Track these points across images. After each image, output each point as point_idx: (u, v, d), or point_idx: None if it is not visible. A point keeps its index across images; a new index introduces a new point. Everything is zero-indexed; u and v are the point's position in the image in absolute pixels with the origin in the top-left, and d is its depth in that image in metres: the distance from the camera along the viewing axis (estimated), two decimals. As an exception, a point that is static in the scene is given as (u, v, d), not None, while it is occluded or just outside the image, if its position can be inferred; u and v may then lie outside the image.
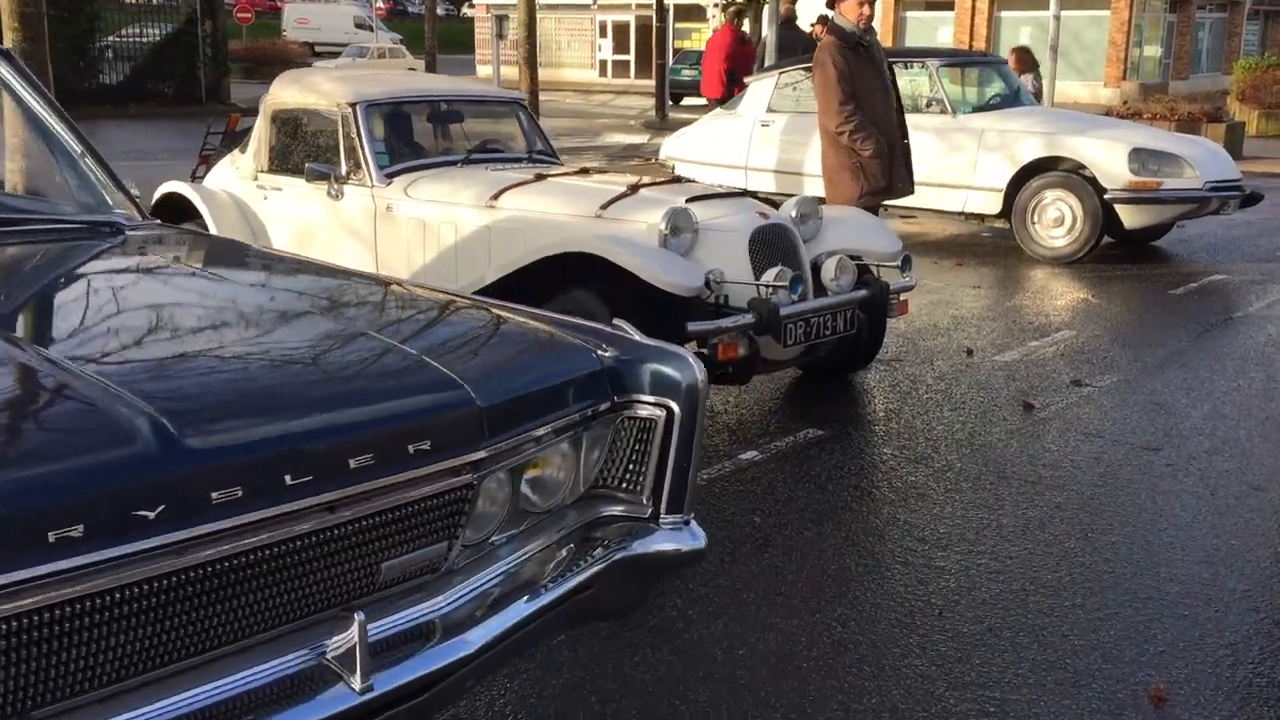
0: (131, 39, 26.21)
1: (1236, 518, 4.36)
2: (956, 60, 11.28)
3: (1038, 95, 12.15)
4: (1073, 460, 4.98)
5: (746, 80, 11.94)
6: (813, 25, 14.24)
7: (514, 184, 5.73)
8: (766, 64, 13.14)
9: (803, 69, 11.37)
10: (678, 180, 5.88)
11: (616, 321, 2.63)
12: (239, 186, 6.71)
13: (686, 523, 2.45)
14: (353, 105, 6.11)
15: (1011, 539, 4.14)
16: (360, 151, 6.06)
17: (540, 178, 5.85)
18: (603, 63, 43.06)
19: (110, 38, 26.27)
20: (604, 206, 5.39)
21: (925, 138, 10.10)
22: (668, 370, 2.40)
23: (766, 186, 11.32)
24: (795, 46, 13.39)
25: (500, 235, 5.60)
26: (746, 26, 17.90)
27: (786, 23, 13.98)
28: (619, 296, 4.93)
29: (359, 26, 54.10)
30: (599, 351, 2.40)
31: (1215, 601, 3.66)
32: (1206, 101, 20.93)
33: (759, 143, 11.26)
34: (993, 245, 10.54)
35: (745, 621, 3.49)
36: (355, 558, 1.87)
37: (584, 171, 6.20)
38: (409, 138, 6.53)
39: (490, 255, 5.64)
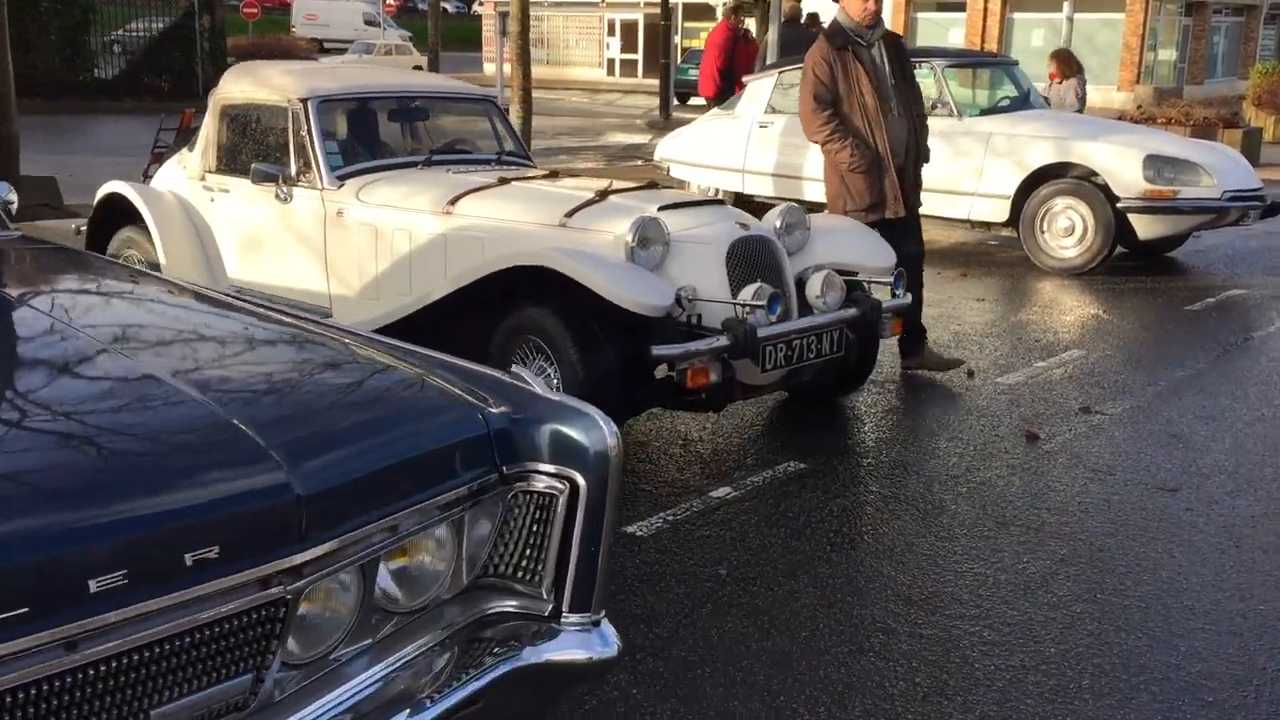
0: (138, 34, 25.81)
1: (1265, 575, 3.87)
2: (964, 61, 10.78)
3: (1081, 104, 11.38)
4: (1080, 503, 4.49)
5: (745, 80, 11.46)
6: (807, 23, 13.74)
7: (473, 189, 5.26)
8: (768, 63, 12.65)
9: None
10: (653, 186, 5.39)
11: (515, 369, 2.14)
12: (185, 187, 6.24)
13: (595, 623, 1.97)
14: (304, 101, 5.64)
15: (1010, 599, 3.65)
16: (311, 151, 5.59)
17: (504, 182, 5.37)
18: (610, 61, 42.57)
19: (117, 31, 25.86)
20: (569, 215, 4.91)
21: (930, 141, 9.60)
22: (572, 433, 1.92)
23: (764, 190, 10.85)
24: (798, 45, 12.86)
25: (457, 244, 5.13)
26: (753, 25, 17.41)
27: (790, 20, 13.48)
28: (579, 316, 4.46)
29: (368, 23, 53.64)
30: (486, 409, 1.92)
31: (1243, 684, 3.17)
32: (1223, 106, 20.37)
33: (757, 145, 10.78)
34: (999, 255, 10.03)
35: (699, 706, 3.00)
36: (111, 707, 1.39)
37: (553, 175, 5.72)
38: (368, 137, 6.05)
39: (446, 266, 5.17)
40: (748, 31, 13.88)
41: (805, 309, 4.97)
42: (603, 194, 5.07)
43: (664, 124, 23.02)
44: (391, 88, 6.14)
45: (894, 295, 5.20)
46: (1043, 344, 7.00)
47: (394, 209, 5.33)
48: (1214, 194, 9.05)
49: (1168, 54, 34.31)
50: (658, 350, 4.32)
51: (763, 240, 4.90)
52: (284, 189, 5.64)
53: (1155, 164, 9.03)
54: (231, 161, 6.00)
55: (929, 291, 8.35)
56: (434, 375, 2.02)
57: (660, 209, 4.88)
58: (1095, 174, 9.15)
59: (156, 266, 6.00)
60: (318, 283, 5.66)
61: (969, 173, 9.50)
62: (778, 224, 5.16)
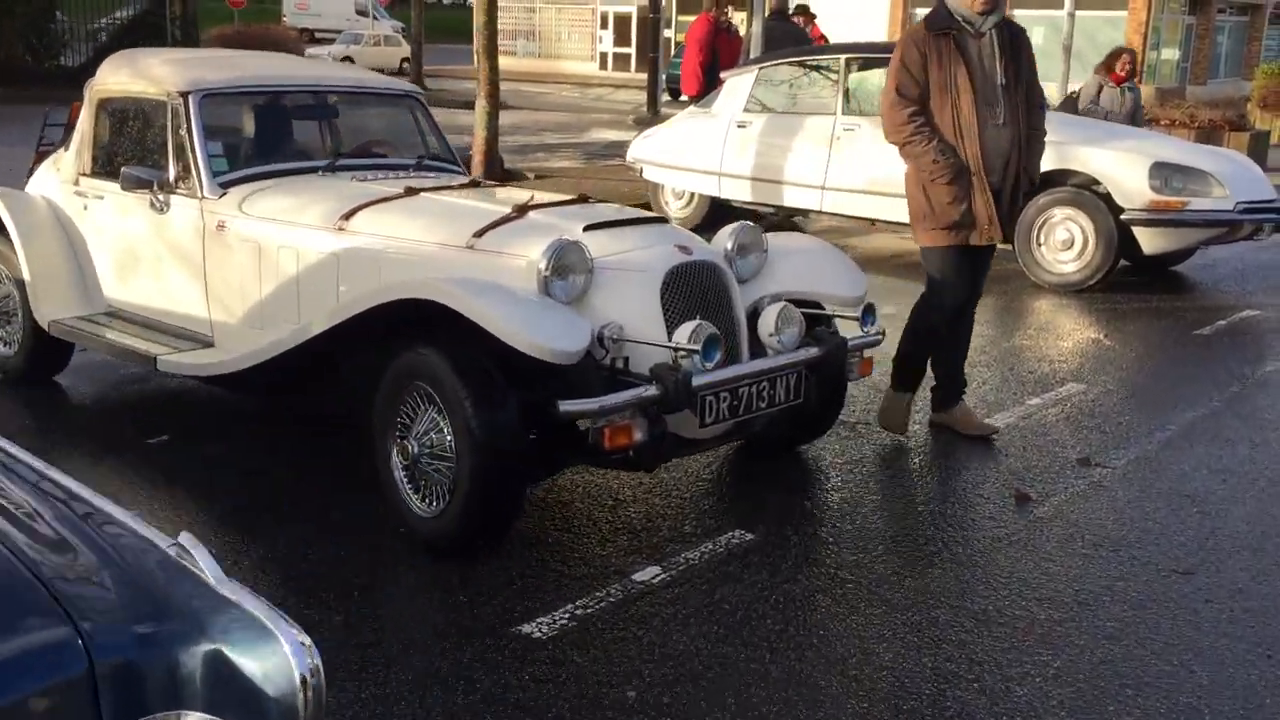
0: (115, 21, 25.02)
1: (1306, 698, 3.12)
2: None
3: (1132, 118, 10.14)
4: (1078, 590, 3.73)
5: (723, 75, 10.69)
6: (792, 16, 12.96)
7: (371, 201, 4.49)
8: (751, 58, 11.88)
9: (787, 64, 10.16)
10: (583, 200, 4.62)
11: (184, 537, 1.37)
12: (59, 192, 5.47)
13: None
14: (185, 94, 4.87)
15: (989, 734, 2.91)
16: (190, 153, 4.82)
17: (411, 193, 4.60)
18: (603, 55, 41.72)
19: (103, 19, 25.05)
20: (478, 234, 4.15)
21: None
22: (243, 663, 1.16)
23: (741, 195, 10.10)
24: (785, 40, 12.12)
25: (350, 267, 4.38)
26: (742, 18, 16.61)
27: (777, 14, 12.69)
28: (474, 359, 3.69)
29: (359, 13, 52.84)
30: (94, 627, 1.15)
31: None
32: (1228, 108, 19.60)
33: (734, 146, 10.02)
34: (992, 270, 9.26)
35: None
36: None
37: (475, 185, 4.95)
38: (265, 139, 5.28)
39: (338, 291, 4.41)
40: (731, 25, 13.08)
41: (758, 348, 4.22)
42: (522, 209, 4.31)
43: (651, 120, 22.23)
44: (295, 80, 5.35)
45: (864, 330, 4.43)
46: (1037, 376, 6.25)
47: (279, 223, 4.56)
48: (1226, 205, 8.30)
49: (1170, 53, 33.54)
50: (566, 406, 3.56)
51: (707, 267, 4.14)
52: (160, 197, 4.87)
53: (1163, 172, 8.27)
54: (108, 163, 5.23)
55: (905, 307, 7.59)
56: (37, 558, 1.25)
57: (586, 228, 4.12)
58: (1097, 183, 8.40)
59: (22, 284, 5.25)
60: (198, 307, 4.89)
61: (960, 179, 8.72)
62: (729, 246, 4.40)
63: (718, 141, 10.15)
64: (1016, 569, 3.88)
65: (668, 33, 32.67)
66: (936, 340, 5.24)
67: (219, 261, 4.75)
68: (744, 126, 10.03)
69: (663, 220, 4.43)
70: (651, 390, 3.70)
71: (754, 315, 4.32)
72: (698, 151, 10.31)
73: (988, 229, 4.92)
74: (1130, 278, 8.83)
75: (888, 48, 11.56)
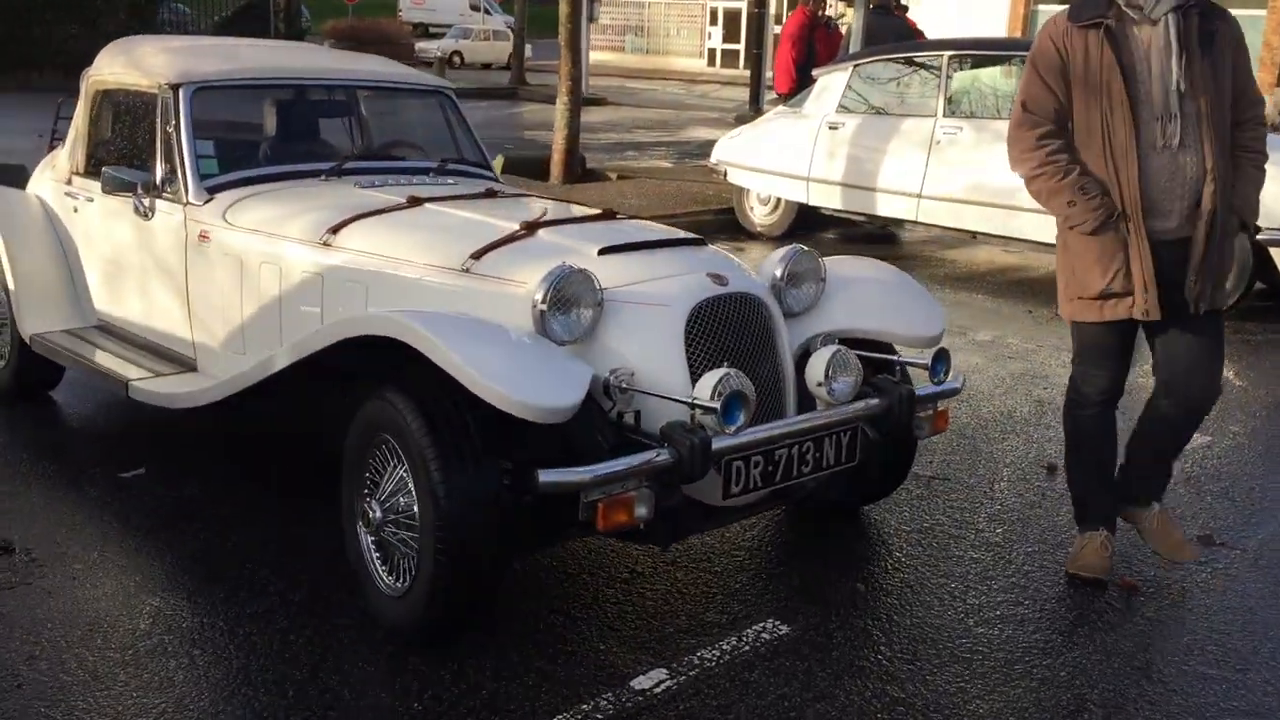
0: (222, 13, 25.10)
1: None
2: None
3: None
4: (1194, 726, 2.96)
5: (815, 73, 9.92)
6: (892, 4, 11.93)
7: (365, 213, 3.88)
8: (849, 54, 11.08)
9: (885, 61, 9.35)
10: (610, 216, 3.95)
11: None
12: (51, 192, 4.98)
13: None
14: (175, 87, 4.33)
15: None
16: (177, 152, 4.27)
17: (414, 202, 3.98)
18: (711, 51, 40.98)
19: (216, 16, 25.18)
20: (476, 255, 3.51)
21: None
22: None
23: (830, 202, 9.33)
24: (886, 36, 11.29)
25: (335, 288, 3.78)
26: (848, 14, 15.73)
27: (881, 7, 11.86)
28: (448, 411, 3.04)
29: (473, 8, 52.91)
30: None
31: None
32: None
33: (825, 148, 9.26)
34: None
35: None
36: None
37: (490, 195, 4.30)
38: (266, 138, 4.72)
39: (324, 314, 3.81)
40: (831, 20, 12.29)
41: (808, 398, 3.50)
42: (531, 226, 3.65)
43: (753, 118, 21.49)
44: (303, 73, 4.76)
45: (935, 380, 3.68)
46: (1153, 423, 5.39)
47: (262, 235, 3.98)
48: (1380, 226, 7.28)
49: (1313, 55, 31.54)
50: (547, 476, 2.88)
51: (746, 301, 3.44)
52: (144, 201, 4.33)
53: (1307, 187, 7.28)
54: (101, 162, 4.71)
55: (1015, 338, 6.78)
56: None
57: (602, 252, 3.45)
58: (1231, 198, 7.44)
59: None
60: (180, 325, 4.35)
61: (1073, 191, 7.83)
62: (777, 274, 3.70)
63: (807, 143, 9.40)
64: (1116, 692, 3.10)
65: (777, 29, 31.82)
66: (1094, 448, 3.86)
67: (201, 276, 4.19)
68: (836, 128, 9.27)
69: (699, 242, 3.73)
70: (662, 455, 3.02)
71: (806, 357, 3.61)
72: (786, 154, 9.57)
73: (1143, 299, 3.54)
74: (1264, 303, 7.86)
75: (998, 44, 10.69)
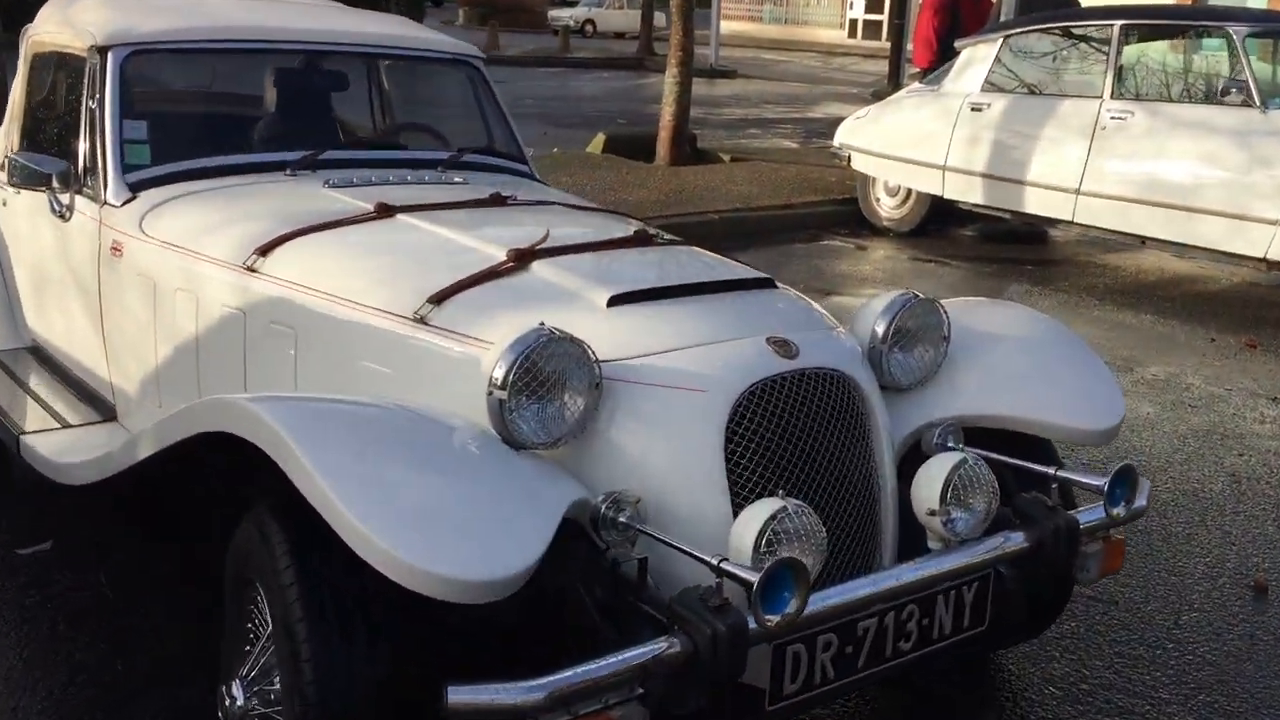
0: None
1: None
2: (1274, 27, 7.50)
3: None
4: None
5: (958, 45, 8.57)
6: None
7: (309, 227, 2.83)
8: (1000, 23, 9.69)
9: (1041, 31, 7.97)
10: (644, 240, 2.79)
11: None
12: (-15, 179, 4.05)
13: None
14: (103, 50, 3.33)
15: None
16: (99, 136, 3.28)
17: (383, 212, 2.91)
18: (853, 22, 39.15)
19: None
20: (436, 298, 2.42)
21: (1217, 141, 6.62)
22: None
23: (970, 196, 8.02)
24: (1042, 3, 9.86)
25: (258, 332, 2.73)
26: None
27: (1037, -29, 10.38)
28: (330, 557, 1.96)
29: (611, -25, 51.91)
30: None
31: None
32: None
33: (966, 132, 7.96)
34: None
35: None
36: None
37: (496, 201, 3.18)
38: (223, 118, 3.70)
39: (246, 365, 2.78)
40: (979, -16, 10.85)
41: (911, 526, 2.34)
42: (523, 255, 2.55)
43: (891, 94, 20.00)
44: (280, 35, 3.65)
45: (1112, 511, 2.45)
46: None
47: (178, 251, 2.95)
48: None
49: None
50: (459, 695, 1.77)
51: (827, 382, 2.30)
52: (62, 198, 3.35)
53: None
54: (38, 146, 3.75)
55: (1194, 378, 5.37)
56: None
57: (614, 301, 2.33)
58: None
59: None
60: (98, 360, 3.37)
61: (1271, 191, 6.42)
62: (879, 331, 2.54)
63: (945, 126, 8.10)
64: None
65: (922, -1, 30.02)
66: None
67: (113, 299, 3.20)
68: (980, 109, 7.94)
69: (762, 284, 2.56)
70: (670, 645, 1.89)
71: (914, 457, 2.45)
72: (920, 138, 8.29)
73: None
74: None
75: (1179, 12, 9.15)
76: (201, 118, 3.72)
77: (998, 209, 7.97)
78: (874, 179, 8.87)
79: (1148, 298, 7.11)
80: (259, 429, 1.94)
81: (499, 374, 2.08)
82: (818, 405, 2.28)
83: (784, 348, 2.30)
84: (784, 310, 2.49)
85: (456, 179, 3.46)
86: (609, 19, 39.72)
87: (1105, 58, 7.35)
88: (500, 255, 2.56)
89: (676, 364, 2.22)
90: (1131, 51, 7.47)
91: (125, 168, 3.22)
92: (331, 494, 1.80)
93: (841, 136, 9.02)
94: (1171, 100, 7.15)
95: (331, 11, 4.05)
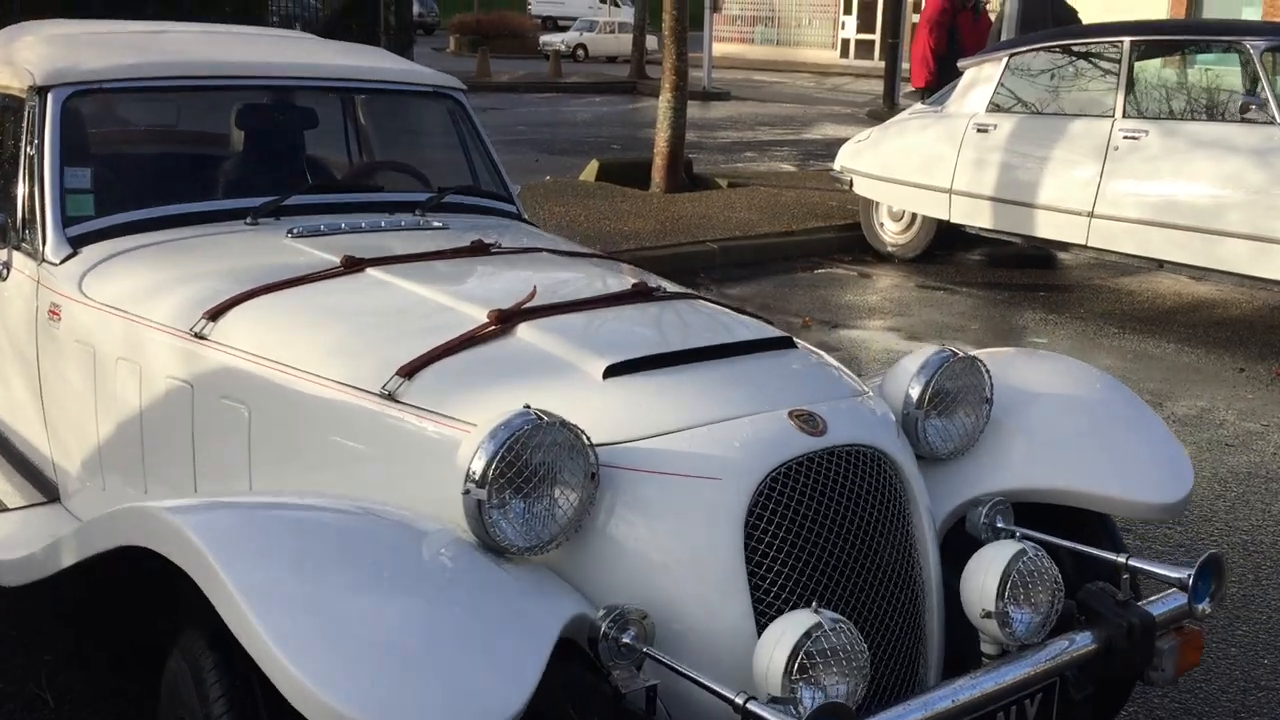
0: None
1: None
2: (1292, 40, 7.21)
3: None
4: None
5: (961, 64, 8.28)
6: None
7: (266, 286, 2.51)
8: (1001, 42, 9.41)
9: (1049, 49, 7.69)
10: (643, 294, 2.46)
11: None
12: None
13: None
14: (43, 91, 3.02)
15: None
16: (37, 184, 2.96)
17: (350, 265, 2.59)
18: (844, 42, 39.02)
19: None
20: (407, 371, 2.10)
21: (1237, 160, 6.32)
22: None
23: (978, 220, 7.72)
24: (1042, 20, 9.60)
25: (208, 409, 2.41)
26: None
27: (1037, -13, 10.13)
28: (274, 697, 1.63)
29: (602, 1, 51.93)
30: None
31: None
32: None
33: (973, 154, 7.65)
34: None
35: None
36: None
37: (477, 249, 2.86)
38: (176, 162, 3.38)
39: (194, 444, 2.45)
40: (978, 2, 10.59)
41: (964, 629, 2.02)
42: (507, 316, 2.22)
43: (888, 114, 19.74)
44: (240, 70, 3.35)
45: (1196, 608, 2.12)
46: None
47: (120, 316, 2.63)
48: None
49: None
50: None
51: (861, 460, 1.98)
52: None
53: None
54: (-20, 194, 3.44)
55: (1228, 413, 5.04)
56: None
57: (611, 371, 2.01)
58: None
59: None
60: (39, 434, 3.04)
61: (1297, 212, 6.12)
62: (914, 394, 2.23)
63: (951, 149, 7.79)
64: None
65: (915, 17, 29.82)
66: None
67: (52, 368, 2.87)
68: (986, 130, 7.64)
69: (781, 343, 2.24)
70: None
71: (957, 544, 2.14)
72: (924, 161, 7.98)
73: None
74: None
75: (1194, 27, 8.88)
76: (155, 162, 3.41)
77: (1007, 233, 7.67)
78: (877, 203, 8.56)
79: (1169, 325, 6.80)
80: (178, 544, 1.62)
81: (477, 468, 1.76)
82: (850, 488, 1.96)
83: (809, 422, 1.98)
84: (805, 375, 2.17)
85: (435, 223, 3.14)
86: (601, 43, 39.54)
87: (1115, 75, 7.07)
88: (481, 316, 2.24)
89: (686, 446, 1.90)
90: (1143, 68, 7.19)
91: (66, 220, 2.90)
92: (260, 628, 1.48)
93: (843, 160, 8.72)
94: (1186, 118, 6.85)
95: (301, 44, 3.75)
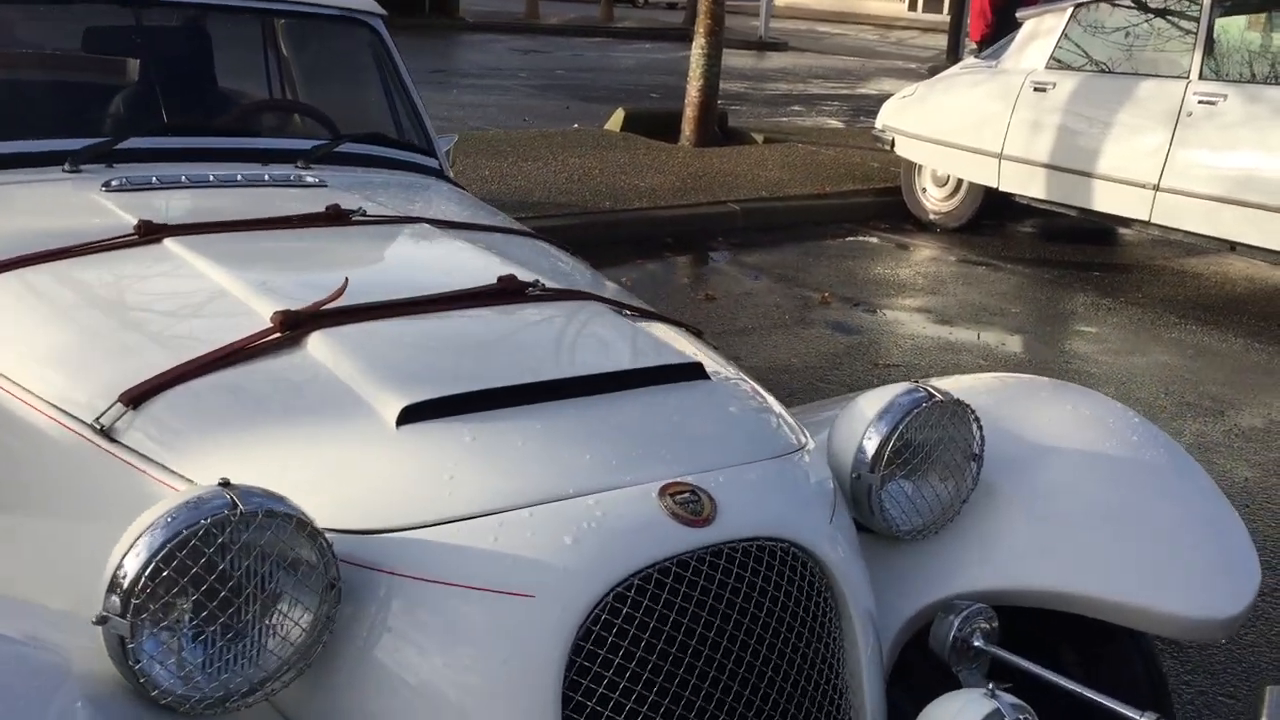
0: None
1: None
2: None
3: None
4: None
5: (1020, 15, 7.47)
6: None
7: (4, 263, 1.87)
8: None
9: (1117, 1, 6.87)
10: (513, 293, 1.79)
11: None
12: None
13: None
14: None
15: None
16: None
17: (145, 233, 1.95)
18: (914, -6, 37.80)
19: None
20: (131, 398, 1.49)
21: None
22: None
23: (1030, 190, 6.96)
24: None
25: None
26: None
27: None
28: None
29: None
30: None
31: None
32: None
33: (1028, 116, 6.89)
34: None
35: None
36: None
37: (336, 217, 2.18)
38: (32, 91, 2.74)
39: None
40: (1046, -51, 9.72)
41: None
42: (296, 322, 1.58)
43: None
44: None
45: None
46: None
47: None
48: None
49: None
50: None
51: (777, 557, 1.33)
52: None
53: None
54: None
55: (1274, 413, 4.32)
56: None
57: (406, 415, 1.37)
58: None
59: None
60: None
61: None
62: (868, 448, 1.57)
63: (1004, 108, 7.02)
64: None
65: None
66: None
67: None
68: (1044, 89, 6.86)
69: (684, 372, 1.58)
70: None
71: (914, 649, 1.50)
72: (974, 121, 7.21)
73: None
74: None
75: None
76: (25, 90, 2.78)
77: (1061, 205, 6.89)
78: (920, 167, 7.80)
79: (1238, 316, 6.02)
80: None
81: (125, 579, 1.12)
82: (745, 603, 1.31)
83: (690, 504, 1.33)
84: (701, 425, 1.50)
85: (310, 179, 2.50)
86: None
87: (1193, 32, 6.25)
88: (260, 320, 1.61)
89: (489, 542, 1.26)
90: (1225, 26, 6.35)
91: None
92: None
93: (885, 118, 7.96)
94: (1271, 83, 6.04)
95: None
